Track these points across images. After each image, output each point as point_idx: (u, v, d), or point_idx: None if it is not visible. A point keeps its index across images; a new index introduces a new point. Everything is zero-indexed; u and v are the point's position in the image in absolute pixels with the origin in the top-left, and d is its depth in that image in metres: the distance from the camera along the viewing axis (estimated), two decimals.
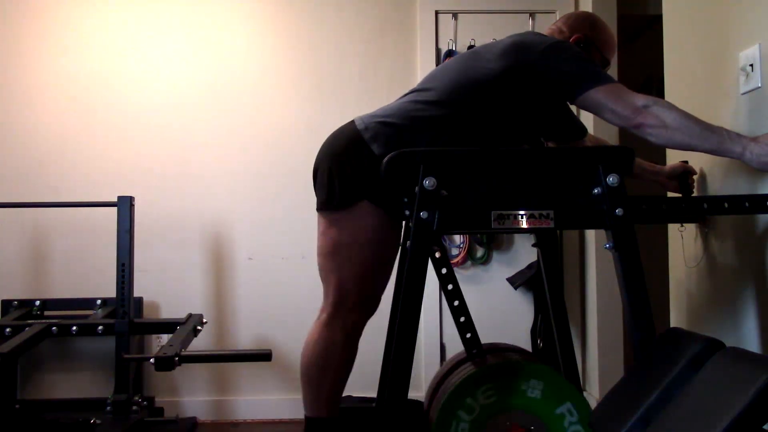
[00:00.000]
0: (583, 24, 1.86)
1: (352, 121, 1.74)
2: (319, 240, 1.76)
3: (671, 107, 1.58)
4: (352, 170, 1.66)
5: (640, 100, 1.58)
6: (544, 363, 1.85)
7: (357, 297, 1.72)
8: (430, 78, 1.78)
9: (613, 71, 2.81)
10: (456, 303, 1.96)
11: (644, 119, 1.57)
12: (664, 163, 2.11)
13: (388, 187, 1.62)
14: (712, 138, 1.55)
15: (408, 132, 1.65)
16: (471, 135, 1.66)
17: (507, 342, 3.22)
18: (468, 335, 1.94)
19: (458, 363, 1.95)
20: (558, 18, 1.98)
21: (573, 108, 1.89)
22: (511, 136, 1.74)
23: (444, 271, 1.98)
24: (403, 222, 1.85)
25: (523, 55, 1.65)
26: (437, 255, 1.97)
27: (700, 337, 1.41)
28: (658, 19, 2.33)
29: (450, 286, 1.96)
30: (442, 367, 2.07)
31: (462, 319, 1.95)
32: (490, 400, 1.67)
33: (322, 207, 1.74)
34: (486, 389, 1.67)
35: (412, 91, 1.78)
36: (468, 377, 1.69)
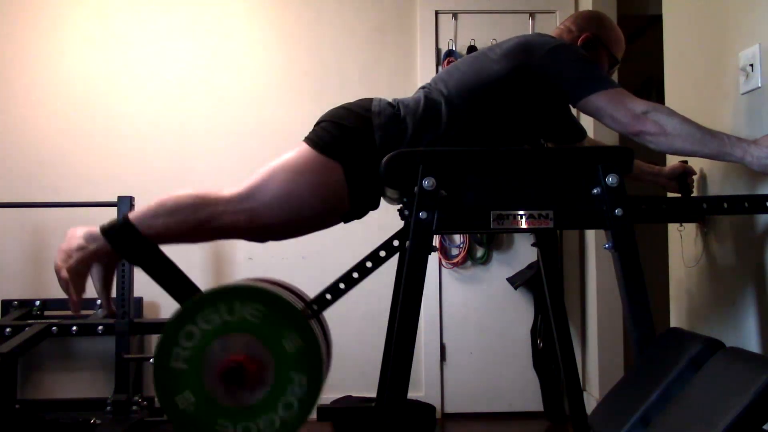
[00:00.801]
0: (591, 23, 1.86)
1: (371, 100, 1.71)
2: (285, 154, 1.70)
3: (671, 113, 1.58)
4: (349, 138, 1.64)
5: (640, 106, 1.57)
6: (277, 287, 1.73)
7: (253, 210, 1.63)
8: (438, 78, 1.79)
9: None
10: (356, 275, 1.81)
11: (644, 126, 1.56)
12: (664, 164, 2.11)
13: (368, 181, 1.61)
14: (712, 143, 1.55)
15: (412, 129, 1.65)
16: (473, 134, 1.66)
17: (507, 342, 3.23)
18: (328, 296, 1.72)
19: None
20: (559, 18, 1.98)
21: (573, 110, 1.89)
22: (512, 137, 1.74)
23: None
24: (402, 222, 1.85)
25: (527, 56, 1.66)
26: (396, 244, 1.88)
27: (700, 337, 1.41)
28: (658, 19, 2.33)
29: (370, 264, 1.81)
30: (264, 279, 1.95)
31: (342, 286, 1.80)
32: (211, 324, 1.60)
33: (305, 140, 1.70)
34: (208, 313, 1.60)
35: (421, 89, 1.78)
36: (190, 302, 1.62)
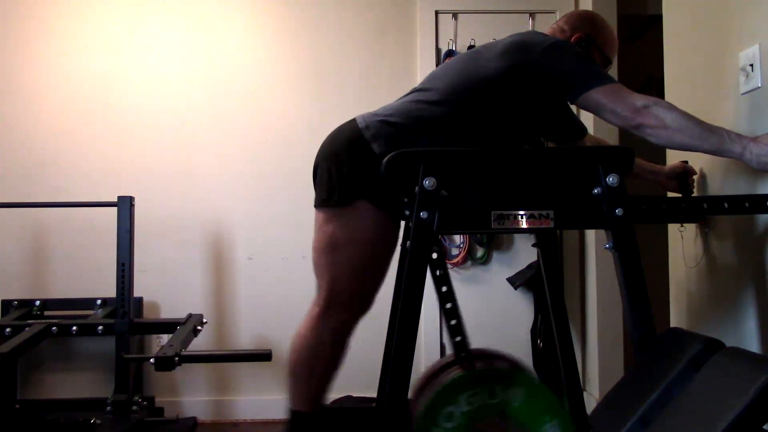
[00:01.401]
0: (584, 23, 1.86)
1: (354, 120, 1.73)
2: (315, 235, 1.75)
3: (671, 108, 1.58)
4: (352, 168, 1.66)
5: (640, 100, 1.58)
6: (532, 371, 1.82)
7: (349, 295, 1.71)
8: (431, 77, 1.78)
9: (613, 71, 2.80)
10: (449, 305, 1.93)
11: (644, 120, 1.57)
12: (664, 163, 2.11)
13: (387, 187, 1.62)
14: (712, 138, 1.55)
15: (409, 131, 1.65)
16: (472, 135, 1.66)
17: (506, 342, 3.22)
18: (458, 338, 1.92)
19: (445, 366, 1.94)
20: (558, 18, 1.97)
21: (573, 108, 1.89)
22: (511, 136, 1.74)
23: (439, 272, 1.96)
24: (402, 222, 1.85)
25: (523, 55, 1.65)
26: (434, 256, 1.96)
27: (700, 337, 1.41)
28: (658, 19, 2.33)
29: (444, 288, 1.94)
30: (429, 368, 2.06)
31: (453, 322, 1.93)
32: (473, 406, 1.65)
33: (320, 204, 1.73)
34: (470, 395, 1.65)
35: (413, 91, 1.77)
36: (452, 381, 1.68)
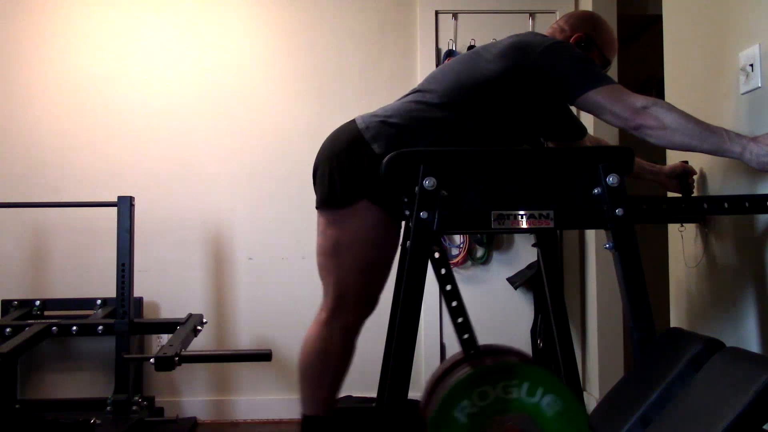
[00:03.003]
0: (584, 23, 1.85)
1: (353, 120, 1.73)
2: (318, 239, 1.76)
3: (670, 108, 1.58)
4: (353, 169, 1.66)
5: (640, 101, 1.58)
6: (542, 365, 1.83)
7: (356, 297, 1.72)
8: (431, 78, 1.78)
9: (613, 71, 2.81)
10: (454, 304, 1.95)
11: (643, 120, 1.56)
12: (664, 162, 2.11)
13: (388, 187, 1.62)
14: (711, 138, 1.55)
15: (409, 132, 1.65)
16: (471, 136, 1.66)
17: (506, 342, 3.20)
18: (465, 336, 1.94)
19: (455, 364, 1.95)
20: (558, 18, 1.97)
21: (573, 108, 1.89)
22: (511, 137, 1.74)
23: (443, 271, 1.97)
24: (403, 222, 1.85)
25: (522, 56, 1.65)
26: (436, 255, 1.97)
27: (700, 337, 1.41)
28: (658, 19, 2.33)
29: (449, 287, 1.96)
30: (439, 368, 2.07)
31: (460, 320, 1.95)
32: (485, 402, 1.66)
33: (321, 205, 1.74)
34: (482, 391, 1.67)
35: (413, 92, 1.77)
36: (464, 379, 1.69)
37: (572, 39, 1.81)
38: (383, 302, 1.88)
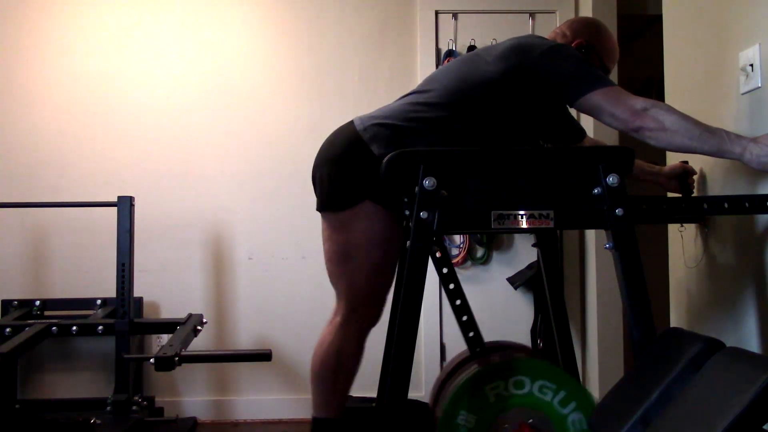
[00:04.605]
0: (586, 30, 1.85)
1: (351, 122, 1.74)
2: (325, 245, 1.76)
3: (670, 110, 1.58)
4: (353, 171, 1.66)
5: (639, 103, 1.57)
6: (548, 360, 1.85)
7: (369, 300, 1.73)
8: (430, 80, 1.78)
9: (613, 72, 2.80)
10: (458, 302, 1.96)
11: (643, 122, 1.56)
12: (664, 163, 2.11)
13: (388, 186, 1.62)
14: (711, 140, 1.55)
15: (406, 133, 1.65)
16: (470, 137, 1.66)
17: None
18: (471, 334, 1.95)
19: (462, 362, 1.95)
20: (559, 18, 1.98)
21: (573, 111, 1.88)
22: (510, 139, 1.74)
23: (445, 270, 1.98)
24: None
25: (522, 58, 1.65)
26: (438, 255, 1.97)
27: (700, 337, 1.41)
28: (658, 19, 2.33)
29: (452, 286, 1.96)
30: (446, 366, 2.07)
31: (464, 318, 1.95)
32: (494, 398, 1.67)
33: (324, 209, 1.74)
34: (491, 388, 1.67)
35: (411, 93, 1.77)
36: (472, 376, 1.69)
37: (573, 44, 1.81)
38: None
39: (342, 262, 1.71)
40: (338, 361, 1.73)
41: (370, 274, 1.70)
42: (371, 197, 1.65)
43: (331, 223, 1.72)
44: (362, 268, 1.69)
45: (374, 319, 1.77)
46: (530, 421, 1.66)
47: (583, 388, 1.74)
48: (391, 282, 1.78)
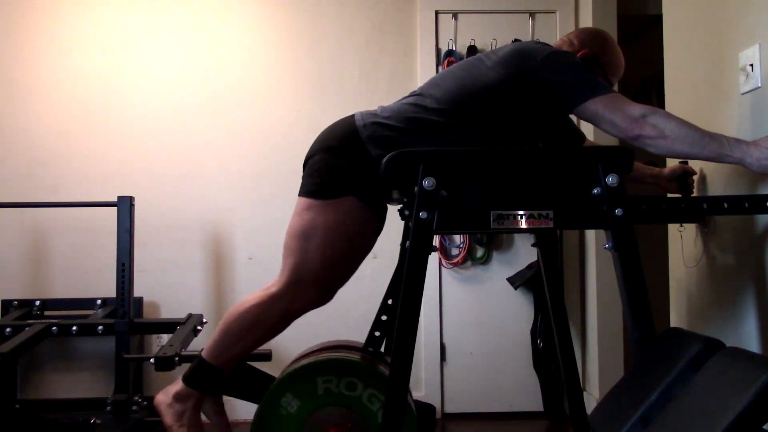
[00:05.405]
0: (594, 41, 1.84)
1: (352, 116, 1.73)
2: (292, 219, 1.74)
3: (669, 116, 1.57)
4: (345, 164, 1.66)
5: (638, 110, 1.57)
6: (374, 362, 1.82)
7: (312, 284, 1.70)
8: (431, 83, 1.78)
9: None
10: (390, 302, 1.94)
11: (642, 130, 1.56)
12: (663, 164, 2.11)
13: (377, 185, 1.63)
14: (711, 145, 1.55)
15: (406, 136, 1.65)
16: (470, 141, 1.66)
17: (506, 342, 3.22)
18: (377, 334, 1.92)
19: (327, 348, 1.95)
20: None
21: (573, 116, 1.88)
22: (509, 143, 1.74)
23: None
24: (403, 222, 1.85)
25: (523, 63, 1.65)
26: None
27: (700, 337, 1.41)
28: (658, 19, 2.34)
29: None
30: (313, 346, 2.05)
31: (384, 317, 1.93)
32: (323, 392, 1.72)
33: (306, 195, 1.72)
34: (324, 381, 1.72)
35: (413, 94, 1.77)
36: (313, 362, 1.74)
37: (578, 55, 1.80)
38: (380, 302, 1.88)
39: (300, 238, 1.69)
40: (253, 324, 1.73)
41: (323, 261, 1.68)
42: (356, 193, 1.65)
43: (307, 203, 1.70)
44: (318, 252, 1.67)
45: (309, 305, 1.74)
46: (348, 425, 1.69)
47: (411, 410, 1.73)
48: (345, 279, 1.75)
